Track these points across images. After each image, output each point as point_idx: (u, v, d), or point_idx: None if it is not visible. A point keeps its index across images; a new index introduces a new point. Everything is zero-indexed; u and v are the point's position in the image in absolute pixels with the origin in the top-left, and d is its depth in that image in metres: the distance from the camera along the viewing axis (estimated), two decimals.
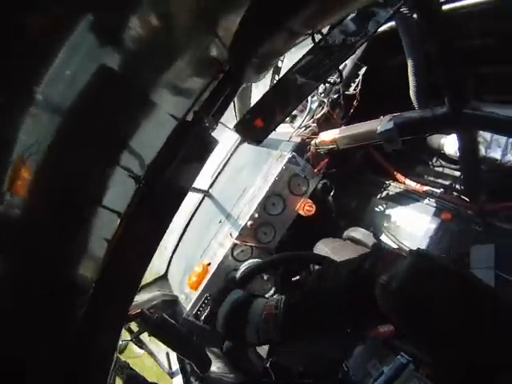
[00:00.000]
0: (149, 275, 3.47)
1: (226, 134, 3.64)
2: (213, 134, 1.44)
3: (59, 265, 1.06)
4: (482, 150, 2.67)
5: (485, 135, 2.71)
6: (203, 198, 3.66)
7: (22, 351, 0.99)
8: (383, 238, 3.07)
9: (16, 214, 0.92)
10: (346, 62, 3.14)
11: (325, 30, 1.70)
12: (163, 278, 3.48)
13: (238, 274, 2.74)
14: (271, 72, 3.26)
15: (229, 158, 3.70)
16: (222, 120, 1.60)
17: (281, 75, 1.85)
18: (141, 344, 2.70)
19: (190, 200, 3.73)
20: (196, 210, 3.66)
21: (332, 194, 3.13)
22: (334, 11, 1.29)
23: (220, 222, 3.14)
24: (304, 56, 1.61)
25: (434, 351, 1.29)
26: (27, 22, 0.78)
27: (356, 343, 2.07)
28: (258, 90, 2.84)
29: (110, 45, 0.96)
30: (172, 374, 2.99)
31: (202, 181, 3.71)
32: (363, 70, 3.14)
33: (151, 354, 2.95)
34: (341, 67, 3.12)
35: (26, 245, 0.96)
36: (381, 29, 2.89)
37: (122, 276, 1.27)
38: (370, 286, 1.45)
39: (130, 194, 1.18)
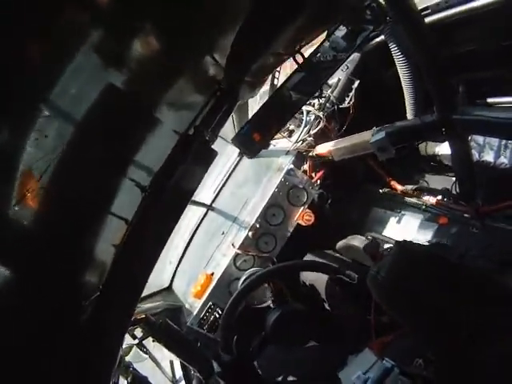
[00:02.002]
0: (154, 289, 3.48)
1: (227, 151, 3.72)
2: (213, 146, 1.54)
3: (67, 270, 1.10)
4: (476, 154, 2.73)
5: (477, 139, 2.78)
6: (206, 212, 3.71)
7: (26, 353, 1.02)
8: (383, 245, 3.12)
9: (26, 223, 0.97)
10: (340, 76, 3.26)
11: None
12: (168, 289, 3.51)
13: (239, 285, 2.79)
14: (269, 88, 3.40)
15: (230, 173, 3.76)
16: (223, 136, 1.70)
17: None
18: (145, 349, 2.73)
19: (194, 215, 3.79)
20: (199, 223, 3.71)
21: (329, 203, 3.21)
22: (310, 34, 1.41)
23: (223, 233, 3.21)
24: (294, 72, 1.71)
25: (426, 334, 1.36)
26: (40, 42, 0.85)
27: (349, 353, 2.08)
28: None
29: (116, 65, 1.03)
30: (175, 382, 3.02)
31: (205, 196, 3.77)
32: (356, 83, 3.23)
33: (154, 360, 2.98)
34: (334, 82, 3.25)
35: (35, 251, 1.01)
36: (372, 43, 3.03)
37: (127, 280, 1.32)
38: None
39: (137, 202, 1.26)
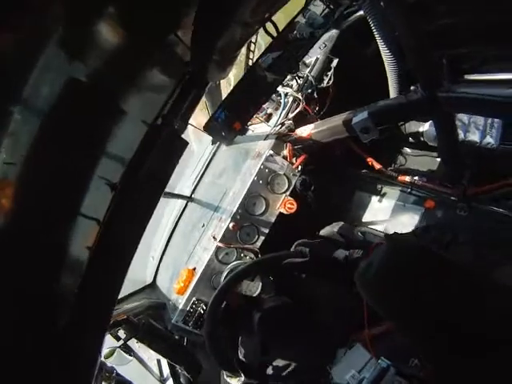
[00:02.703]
0: (138, 285, 3.44)
1: (204, 138, 3.63)
2: (190, 134, 1.48)
3: (40, 273, 1.07)
4: (461, 134, 2.67)
5: (462, 118, 2.73)
6: (186, 205, 3.64)
7: (4, 360, 0.99)
8: (368, 230, 3.07)
9: None
10: (318, 55, 3.16)
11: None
12: (151, 286, 3.46)
13: (222, 279, 2.72)
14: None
15: (209, 162, 3.68)
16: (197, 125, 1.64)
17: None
18: (129, 351, 2.67)
19: (174, 208, 3.74)
20: (180, 217, 3.64)
21: (312, 190, 3.12)
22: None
23: (203, 226, 3.13)
24: (267, 49, 1.61)
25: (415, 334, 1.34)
26: None
27: (338, 346, 2.06)
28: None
29: (75, 58, 0.99)
30: (163, 381, 2.98)
31: (183, 188, 3.71)
32: (335, 62, 3.13)
33: (140, 361, 2.94)
34: (312, 61, 3.15)
35: (8, 253, 0.99)
36: (351, 19, 2.93)
37: (104, 281, 1.30)
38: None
39: (107, 201, 1.23)
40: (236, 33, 1.36)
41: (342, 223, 2.94)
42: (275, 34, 1.52)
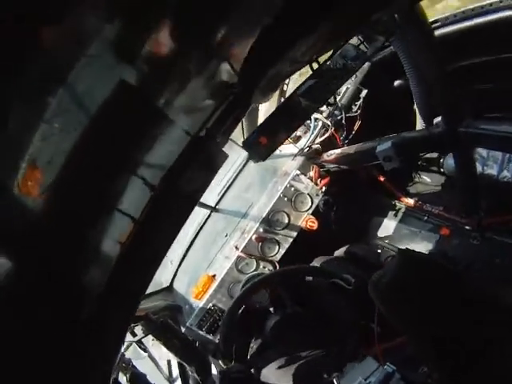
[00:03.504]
0: (155, 288, 3.50)
1: (233, 154, 3.74)
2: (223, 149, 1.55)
3: (70, 264, 1.09)
4: (479, 167, 2.74)
5: (481, 152, 2.79)
6: (210, 214, 3.73)
7: (26, 349, 1.00)
8: (385, 245, 3.17)
9: (29, 215, 0.95)
10: (349, 85, 3.29)
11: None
12: (168, 289, 3.53)
13: (240, 288, 2.82)
14: (277, 94, 3.42)
15: (236, 176, 3.78)
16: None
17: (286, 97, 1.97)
18: (144, 347, 2.76)
19: (198, 215, 3.79)
20: (203, 225, 3.72)
21: (334, 210, 3.23)
22: (331, 44, 1.42)
23: (226, 235, 3.24)
24: (306, 80, 1.73)
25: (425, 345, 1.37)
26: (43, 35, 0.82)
27: (348, 360, 2.08)
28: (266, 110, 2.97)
29: (129, 62, 1.01)
30: (172, 381, 3.04)
31: (209, 197, 3.78)
32: (364, 92, 3.26)
33: (152, 358, 3.01)
34: (343, 90, 3.27)
35: (39, 243, 1.00)
36: (382, 53, 3.05)
37: (132, 278, 1.31)
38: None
39: (145, 201, 1.23)
40: (284, 67, 1.45)
41: (361, 244, 3.02)
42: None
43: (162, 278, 3.65)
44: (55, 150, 0.94)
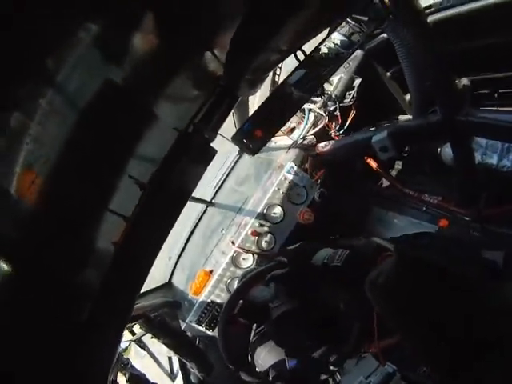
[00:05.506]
0: (153, 285, 3.49)
1: (227, 147, 3.71)
2: (213, 144, 1.53)
3: (65, 266, 1.10)
4: (478, 156, 2.68)
5: (480, 141, 2.71)
6: (206, 209, 3.72)
7: (23, 350, 1.01)
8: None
9: (23, 218, 0.98)
10: (342, 74, 3.24)
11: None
12: (167, 285, 3.52)
13: (237, 282, 2.80)
14: (270, 85, 3.37)
15: (231, 170, 3.77)
16: (223, 133, 1.70)
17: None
18: (143, 345, 2.75)
19: (194, 211, 3.78)
20: (199, 220, 3.71)
21: (330, 202, 3.19)
22: (313, 32, 1.39)
23: (222, 230, 3.22)
24: (296, 69, 1.69)
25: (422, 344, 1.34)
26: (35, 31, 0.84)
27: (347, 356, 2.05)
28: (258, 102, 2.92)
29: (114, 60, 1.03)
30: (173, 378, 3.04)
31: (204, 192, 3.77)
32: (358, 81, 3.22)
33: (153, 356, 3.00)
34: (336, 80, 3.23)
35: (32, 248, 1.01)
36: (375, 41, 3.00)
37: (127, 277, 1.32)
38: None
39: (136, 199, 1.25)
40: (269, 57, 1.43)
41: (359, 237, 2.98)
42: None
43: (160, 274, 3.63)
44: (46, 153, 0.96)
